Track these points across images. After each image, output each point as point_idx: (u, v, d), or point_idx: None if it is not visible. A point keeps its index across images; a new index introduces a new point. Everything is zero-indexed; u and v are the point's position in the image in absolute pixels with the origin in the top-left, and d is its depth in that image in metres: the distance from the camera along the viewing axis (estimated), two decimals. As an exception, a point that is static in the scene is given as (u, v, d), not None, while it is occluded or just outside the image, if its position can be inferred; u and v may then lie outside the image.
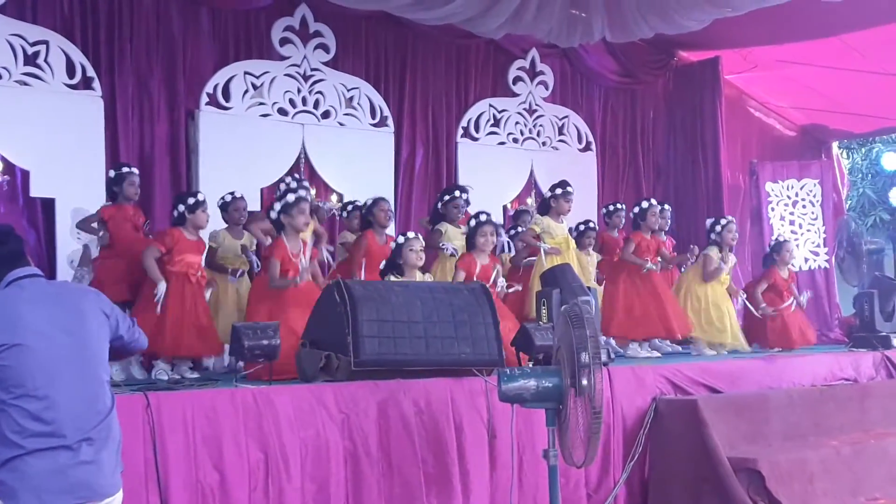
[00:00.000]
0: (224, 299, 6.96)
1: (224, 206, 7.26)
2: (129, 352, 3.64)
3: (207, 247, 6.82)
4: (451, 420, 5.15)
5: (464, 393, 5.24)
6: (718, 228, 8.42)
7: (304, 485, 4.66)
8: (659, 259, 8.28)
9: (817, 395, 6.96)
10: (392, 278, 6.43)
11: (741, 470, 5.78)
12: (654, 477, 6.03)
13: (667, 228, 8.88)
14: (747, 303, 8.71)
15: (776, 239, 9.56)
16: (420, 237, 6.64)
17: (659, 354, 8.04)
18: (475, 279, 6.66)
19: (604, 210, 9.52)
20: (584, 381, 4.10)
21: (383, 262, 6.66)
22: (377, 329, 5.21)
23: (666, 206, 8.85)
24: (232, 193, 7.28)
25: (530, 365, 5.59)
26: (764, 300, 8.63)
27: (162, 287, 6.11)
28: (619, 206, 8.95)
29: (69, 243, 7.26)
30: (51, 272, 7.15)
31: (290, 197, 6.27)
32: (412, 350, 5.26)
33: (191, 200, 6.46)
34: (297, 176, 7.42)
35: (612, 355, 7.03)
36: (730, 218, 8.74)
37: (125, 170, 6.81)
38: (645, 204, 8.33)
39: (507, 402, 4.49)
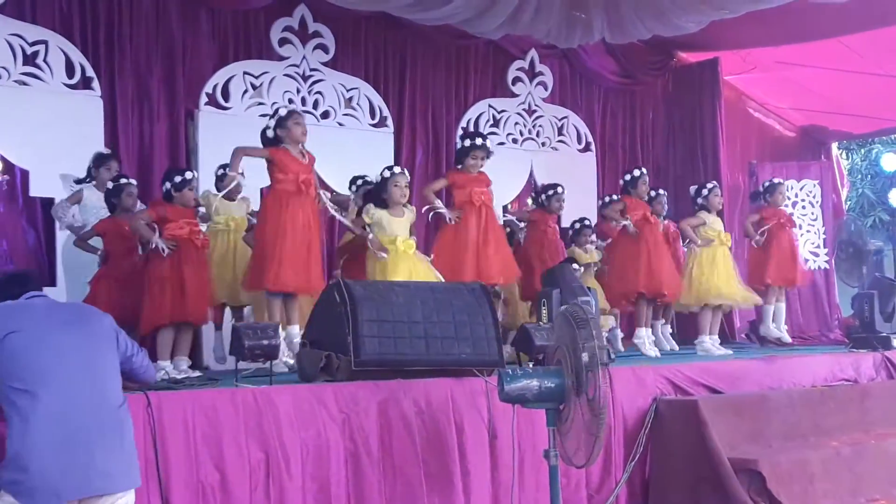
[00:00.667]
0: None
1: (222, 178, 7.18)
2: (139, 380, 3.69)
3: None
4: (452, 420, 5.14)
5: (464, 393, 5.23)
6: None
7: (306, 484, 4.65)
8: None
9: (818, 395, 6.95)
10: (374, 211, 6.51)
11: (742, 470, 5.76)
12: (655, 477, 6.03)
13: (663, 213, 8.75)
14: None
15: (770, 181, 9.39)
16: (406, 172, 6.76)
17: (659, 354, 8.03)
18: (466, 190, 7.00)
19: (600, 202, 9.52)
20: (587, 382, 4.10)
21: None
22: (377, 329, 5.20)
23: (661, 192, 8.67)
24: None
25: (530, 365, 5.59)
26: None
27: (156, 238, 6.04)
28: (615, 197, 8.89)
29: (68, 243, 7.23)
30: (50, 271, 7.14)
31: (283, 111, 6.21)
32: (412, 350, 5.25)
33: (177, 178, 6.30)
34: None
35: (613, 355, 7.04)
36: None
37: (123, 181, 6.77)
38: (636, 172, 8.23)
39: (508, 402, 4.48)
